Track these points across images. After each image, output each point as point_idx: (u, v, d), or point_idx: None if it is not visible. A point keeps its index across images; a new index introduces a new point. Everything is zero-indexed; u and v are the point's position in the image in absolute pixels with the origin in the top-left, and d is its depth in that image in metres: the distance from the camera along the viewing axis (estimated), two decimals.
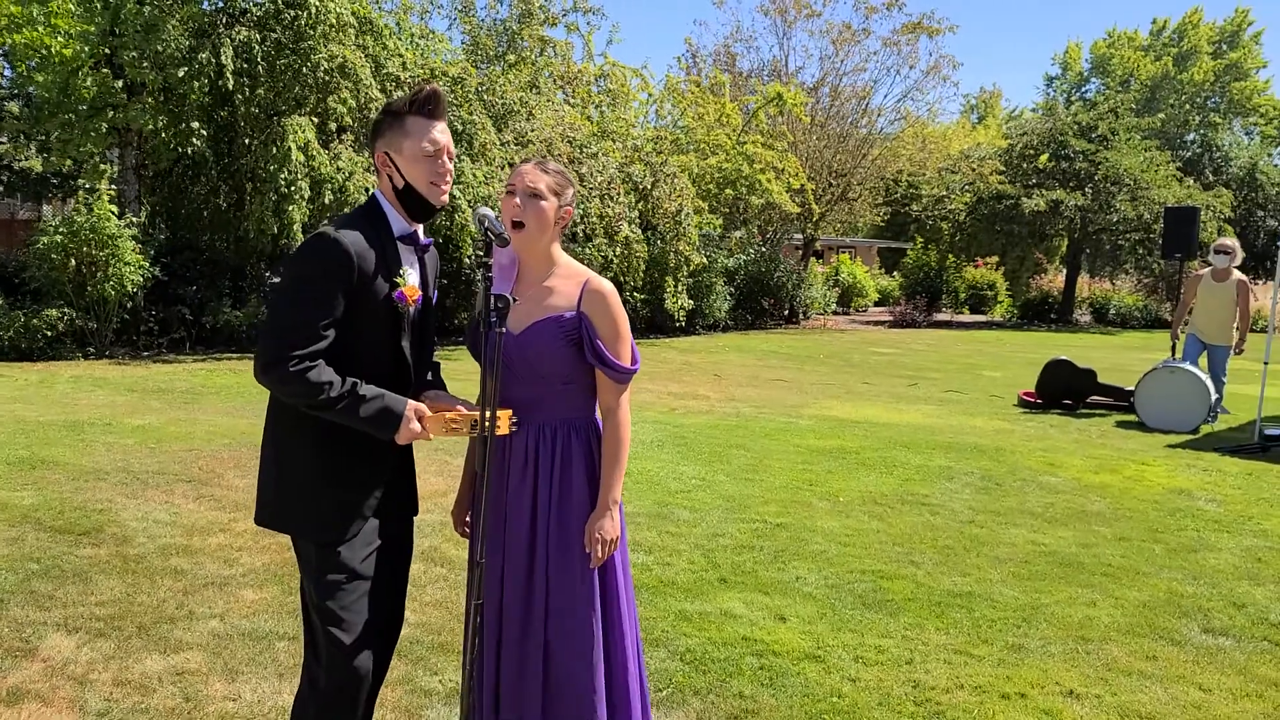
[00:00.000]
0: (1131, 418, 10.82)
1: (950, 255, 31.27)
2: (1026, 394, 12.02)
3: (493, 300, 2.61)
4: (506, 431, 2.81)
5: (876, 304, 34.24)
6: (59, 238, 12.93)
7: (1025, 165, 29.65)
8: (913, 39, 26.49)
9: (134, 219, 14.07)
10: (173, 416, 9.10)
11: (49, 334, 13.00)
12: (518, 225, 2.81)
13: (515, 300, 2.77)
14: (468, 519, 3.01)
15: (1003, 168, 28.98)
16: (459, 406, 2.80)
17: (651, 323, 20.63)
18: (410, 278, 2.76)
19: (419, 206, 2.76)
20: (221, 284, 15.06)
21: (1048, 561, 5.63)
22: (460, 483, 3.10)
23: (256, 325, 14.01)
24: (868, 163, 26.88)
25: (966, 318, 31.67)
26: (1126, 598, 5.06)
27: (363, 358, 2.69)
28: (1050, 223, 28.44)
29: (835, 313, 29.37)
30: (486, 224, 2.71)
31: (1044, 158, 29.64)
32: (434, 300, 2.97)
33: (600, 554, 2.73)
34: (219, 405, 9.96)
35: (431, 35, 17.92)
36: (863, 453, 8.68)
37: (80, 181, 15.88)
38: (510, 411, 2.80)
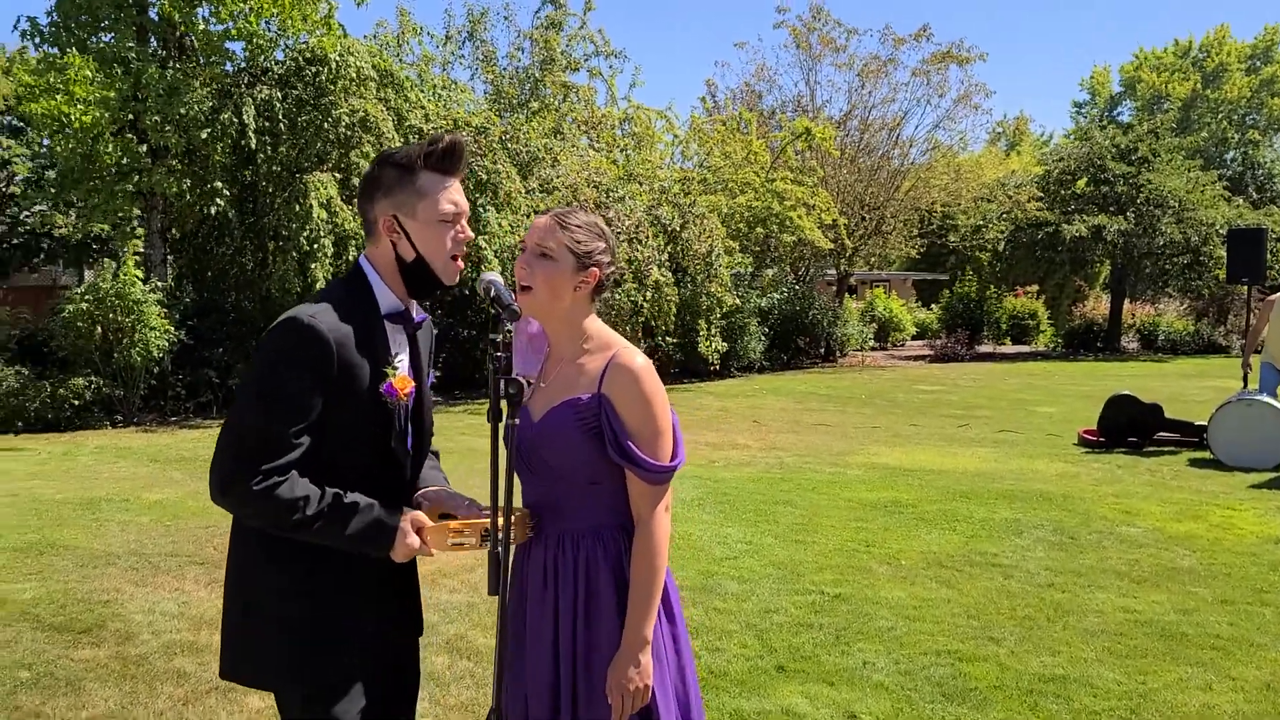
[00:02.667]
0: (1205, 454, 10.14)
1: (990, 285, 30.57)
2: (1087, 432, 11.37)
3: (502, 386, 2.15)
4: (524, 539, 2.33)
5: (914, 338, 33.55)
6: (84, 305, 12.74)
7: (1063, 191, 28.98)
8: (942, 68, 26.09)
9: (160, 283, 13.88)
10: (192, 489, 8.72)
11: (76, 403, 12.76)
12: (525, 289, 2.36)
13: (530, 384, 2.30)
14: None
15: (1040, 194, 28.34)
16: (466, 512, 2.34)
17: (685, 367, 20.16)
18: (401, 366, 2.30)
19: (426, 283, 2.31)
20: (248, 345, 14.78)
21: (1145, 633, 5.03)
22: None
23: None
24: (901, 195, 26.38)
25: (1009, 349, 30.87)
26: (1245, 677, 4.45)
27: (344, 464, 2.22)
28: (1091, 248, 27.70)
29: (873, 349, 28.73)
30: (493, 293, 2.25)
31: (1081, 182, 28.97)
32: (431, 383, 2.51)
33: (624, 708, 2.19)
34: None
35: (454, 86, 17.76)
36: (920, 505, 8.10)
37: (117, 245, 15.77)
38: (525, 514, 2.33)
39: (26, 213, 29.43)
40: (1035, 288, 32.03)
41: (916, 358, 27.22)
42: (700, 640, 4.91)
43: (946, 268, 33.66)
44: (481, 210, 14.42)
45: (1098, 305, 33.30)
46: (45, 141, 18.76)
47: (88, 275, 23.77)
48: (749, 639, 4.95)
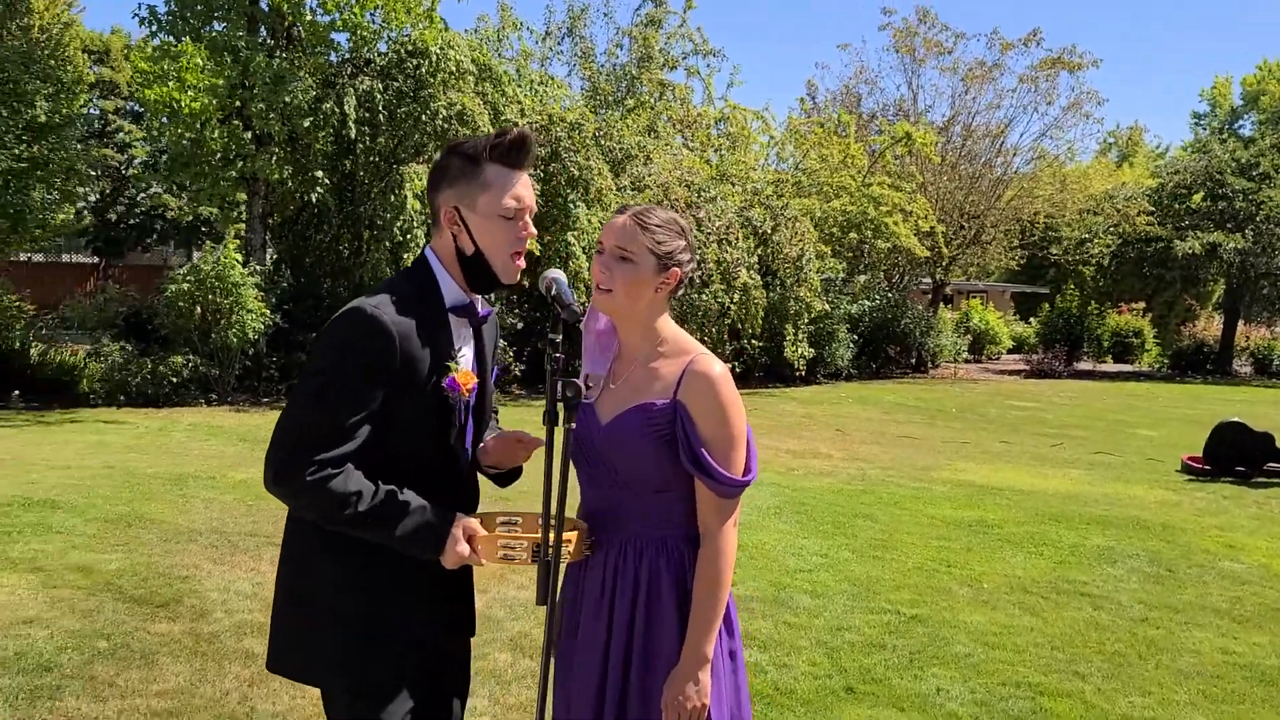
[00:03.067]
0: None
1: (1092, 301, 29.48)
2: (1192, 459, 10.82)
3: (560, 389, 2.07)
4: (579, 557, 2.24)
5: (1010, 351, 32.58)
6: (185, 285, 13.16)
7: (1177, 206, 27.77)
8: (1052, 74, 25.24)
9: (258, 266, 14.26)
10: None
11: (174, 380, 13.19)
12: (604, 291, 2.27)
13: (589, 388, 2.21)
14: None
15: (1151, 208, 27.20)
16: (518, 521, 2.27)
17: (770, 371, 19.91)
18: (464, 360, 2.24)
19: (485, 278, 2.24)
20: None
21: (1245, 678, 4.71)
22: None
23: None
24: (1003, 204, 25.61)
25: (1110, 367, 29.75)
26: None
27: (402, 459, 2.17)
28: (1205, 266, 26.48)
29: (966, 361, 27.98)
30: (554, 291, 2.17)
31: (1197, 197, 27.71)
32: (494, 378, 2.45)
33: None
34: None
35: (551, 82, 17.84)
36: (1006, 527, 7.80)
37: (220, 228, 16.29)
38: (583, 530, 2.24)
39: (142, 195, 30.83)
40: (1141, 305, 30.80)
41: (1011, 372, 26.43)
42: (768, 655, 4.77)
43: (1047, 280, 32.62)
44: (571, 206, 14.45)
45: (1209, 326, 31.85)
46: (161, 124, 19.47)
47: (195, 256, 24.71)
48: (819, 656, 4.79)
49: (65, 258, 35.13)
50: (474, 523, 2.16)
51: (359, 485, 2.07)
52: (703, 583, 2.15)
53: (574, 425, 2.09)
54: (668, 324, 2.32)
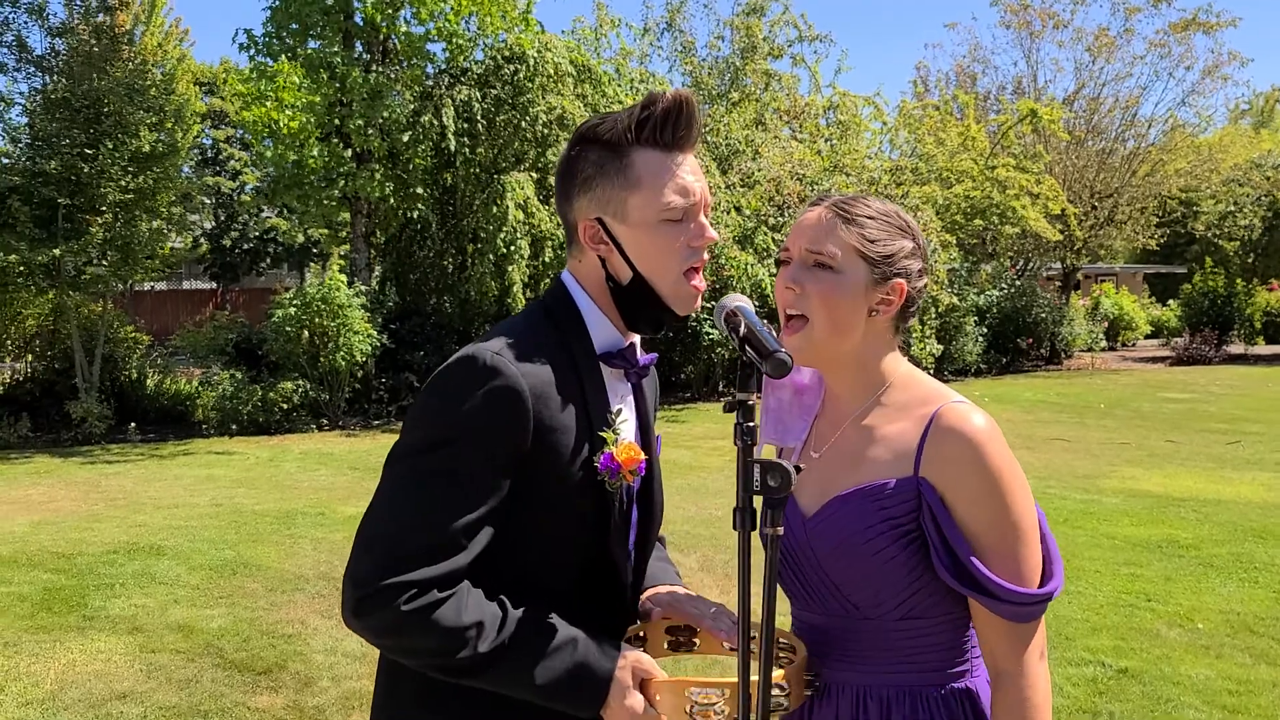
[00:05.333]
0: None
1: (1239, 279, 27.34)
2: None
3: (757, 472, 1.36)
4: (800, 702, 1.54)
5: (1148, 337, 30.51)
6: (292, 309, 12.94)
7: None
8: (1185, 37, 23.38)
9: (363, 286, 14.00)
10: None
11: (284, 407, 12.99)
12: (794, 320, 1.55)
13: (796, 468, 1.49)
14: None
15: None
16: (713, 624, 1.59)
17: None
18: (626, 429, 1.57)
19: (652, 312, 1.56)
20: (448, 348, 14.75)
21: None
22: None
23: None
24: (1138, 180, 23.86)
25: (1263, 349, 27.52)
26: None
27: (540, 572, 1.52)
28: None
29: (1102, 350, 26.22)
30: (743, 330, 1.45)
31: None
32: (658, 449, 1.75)
33: None
34: None
35: (651, 79, 17.22)
36: (1203, 547, 6.77)
37: (325, 249, 16.19)
38: (801, 660, 1.53)
39: (255, 220, 31.51)
40: None
41: (1153, 359, 24.61)
42: None
43: (1185, 259, 30.48)
44: None
45: None
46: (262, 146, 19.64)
47: (308, 278, 24.99)
48: None
49: (186, 285, 36.21)
50: (647, 661, 1.48)
51: (479, 613, 1.42)
52: None
53: (781, 530, 1.38)
54: (898, 362, 1.60)
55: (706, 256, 1.57)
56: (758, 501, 1.36)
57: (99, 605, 5.63)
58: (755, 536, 1.40)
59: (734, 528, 1.42)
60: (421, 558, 1.40)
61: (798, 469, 1.42)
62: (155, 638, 5.14)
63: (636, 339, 1.64)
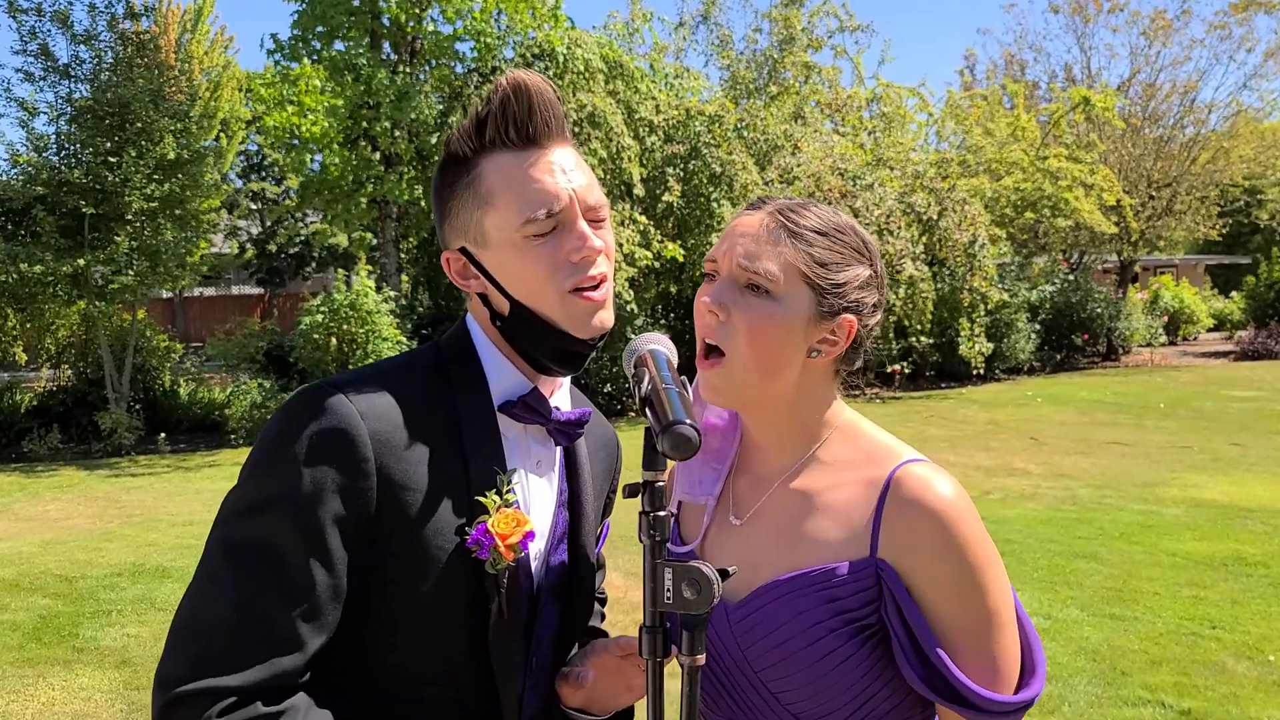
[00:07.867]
0: None
1: None
2: None
3: (668, 580, 1.01)
4: None
5: (1210, 331, 29.41)
6: (319, 316, 12.76)
7: None
8: (1246, 18, 22.43)
9: (392, 292, 13.79)
10: None
11: None
12: (711, 353, 1.20)
13: (728, 574, 1.10)
14: None
15: None
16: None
17: (941, 370, 18.22)
18: (537, 498, 1.26)
19: (549, 345, 1.23)
20: None
21: None
22: None
23: None
24: (1198, 168, 22.92)
25: None
26: None
27: (413, 674, 1.20)
28: None
29: (1162, 345, 25.28)
30: (645, 385, 1.08)
31: None
32: (604, 538, 1.40)
33: None
34: None
35: (687, 74, 16.80)
36: (1274, 565, 6.24)
37: (355, 254, 16.06)
38: None
39: (301, 224, 31.67)
40: None
41: (1216, 354, 23.64)
42: None
43: (1249, 249, 29.34)
44: (715, 205, 13.35)
45: None
46: (278, 153, 19.62)
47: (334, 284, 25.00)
48: None
49: (235, 289, 36.54)
50: None
51: None
52: None
53: (702, 659, 1.01)
54: (839, 410, 1.26)
55: (607, 269, 1.20)
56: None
57: (90, 636, 5.39)
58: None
59: (639, 654, 1.06)
60: (242, 657, 1.07)
61: (725, 574, 1.04)
62: (142, 673, 4.88)
63: (564, 387, 1.30)
